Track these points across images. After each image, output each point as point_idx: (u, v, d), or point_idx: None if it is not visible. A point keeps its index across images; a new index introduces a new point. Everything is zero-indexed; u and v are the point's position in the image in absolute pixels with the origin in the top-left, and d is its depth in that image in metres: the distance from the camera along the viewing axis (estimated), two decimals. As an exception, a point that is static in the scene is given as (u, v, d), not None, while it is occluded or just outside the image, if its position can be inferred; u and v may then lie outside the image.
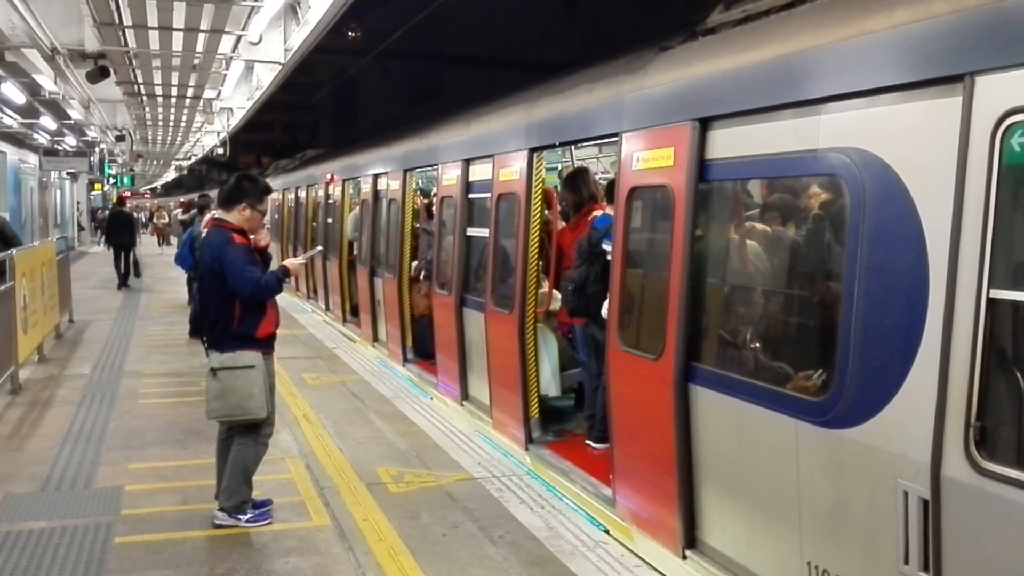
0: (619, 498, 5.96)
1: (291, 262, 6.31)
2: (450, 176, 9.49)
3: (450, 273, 9.33)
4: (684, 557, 5.19)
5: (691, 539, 5.18)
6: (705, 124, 5.07)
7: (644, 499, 5.68)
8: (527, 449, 7.47)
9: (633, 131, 5.85)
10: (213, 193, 18.25)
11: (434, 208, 10.63)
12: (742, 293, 5.23)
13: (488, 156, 8.39)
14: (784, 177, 4.77)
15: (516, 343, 7.52)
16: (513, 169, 7.79)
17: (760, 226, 5.09)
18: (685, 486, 5.16)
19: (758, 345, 4.89)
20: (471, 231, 8.94)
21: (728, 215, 5.32)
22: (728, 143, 4.94)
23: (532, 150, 7.47)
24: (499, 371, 8.04)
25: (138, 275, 21.76)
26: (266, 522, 5.83)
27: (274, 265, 6.24)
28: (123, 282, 20.93)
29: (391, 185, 11.91)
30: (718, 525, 5.01)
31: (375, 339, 12.82)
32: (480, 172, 8.68)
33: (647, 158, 5.66)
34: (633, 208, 5.96)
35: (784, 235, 4.82)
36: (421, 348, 11.06)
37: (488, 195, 8.37)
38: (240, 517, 5.80)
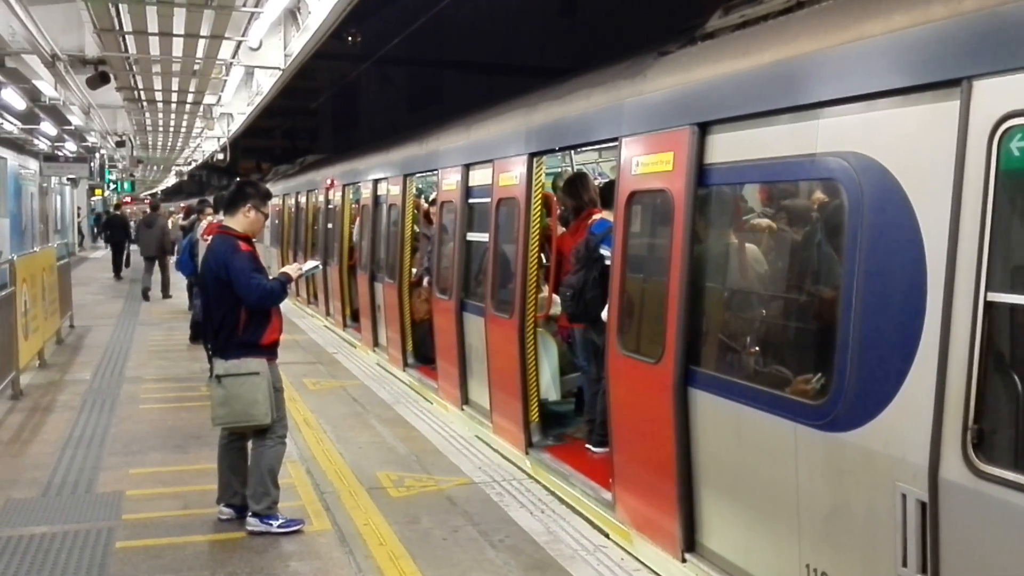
0: (619, 502, 5.97)
1: (291, 269, 6.30)
2: (450, 181, 9.51)
3: (450, 278, 9.34)
4: (684, 560, 5.19)
5: (691, 543, 5.19)
6: (704, 129, 5.09)
7: (644, 503, 5.69)
8: (527, 453, 7.48)
9: (632, 136, 5.87)
10: (210, 199, 18.40)
11: (433, 213, 10.65)
12: (741, 297, 5.25)
13: (488, 161, 8.41)
14: (783, 181, 4.79)
15: (516, 348, 7.53)
16: (513, 174, 7.80)
17: (759, 231, 5.10)
18: (685, 490, 5.16)
19: (757, 349, 4.91)
20: (471, 236, 8.96)
21: (727, 219, 5.34)
22: (727, 148, 4.96)
23: (532, 155, 7.49)
24: (499, 376, 8.05)
25: (127, 266, 27.18)
26: (296, 528, 5.84)
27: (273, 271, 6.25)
28: (117, 273, 25.89)
29: (391, 190, 11.92)
30: (717, 529, 5.02)
31: (375, 344, 12.84)
32: (480, 177, 8.69)
33: (646, 163, 5.68)
34: (632, 213, 5.98)
35: (783, 239, 4.83)
36: (421, 353, 11.07)
37: (488, 200, 8.38)
38: (272, 523, 5.81)
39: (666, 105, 5.54)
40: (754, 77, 4.74)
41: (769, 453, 4.48)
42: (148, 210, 24.78)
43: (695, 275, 5.17)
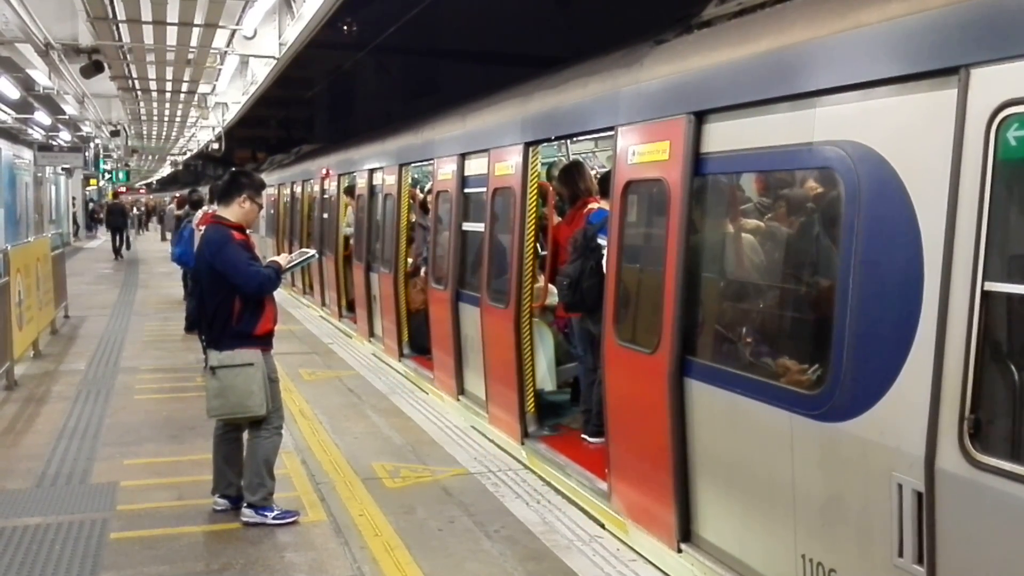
0: (614, 492, 5.97)
1: (282, 259, 6.24)
2: (445, 171, 9.48)
3: (446, 268, 9.32)
4: (679, 551, 5.19)
5: (686, 533, 5.18)
6: (700, 118, 5.07)
7: (639, 493, 5.68)
8: (523, 444, 7.47)
9: (629, 125, 5.84)
10: (204, 190, 18.45)
11: (430, 202, 10.62)
12: (737, 287, 5.23)
13: (484, 150, 8.37)
14: (779, 171, 4.76)
15: (512, 338, 7.51)
16: (509, 163, 7.77)
17: (755, 220, 5.08)
18: (680, 480, 5.16)
19: (753, 339, 4.89)
20: (467, 226, 8.93)
21: (723, 209, 5.32)
22: (724, 137, 4.94)
23: (528, 144, 7.46)
24: (495, 366, 8.03)
25: (128, 248, 31.49)
26: (292, 519, 5.84)
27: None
28: (117, 254, 29.68)
29: (387, 180, 11.88)
30: (713, 519, 5.01)
31: (371, 334, 12.83)
32: (476, 166, 8.66)
33: (642, 152, 5.66)
34: (628, 202, 5.96)
35: (779, 229, 4.81)
36: (417, 343, 11.04)
37: (484, 189, 8.35)
38: (267, 514, 5.81)
39: (662, 94, 5.52)
40: (751, 65, 4.71)
41: (765, 443, 4.47)
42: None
43: (691, 265, 5.16)
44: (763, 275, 5.04)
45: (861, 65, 3.92)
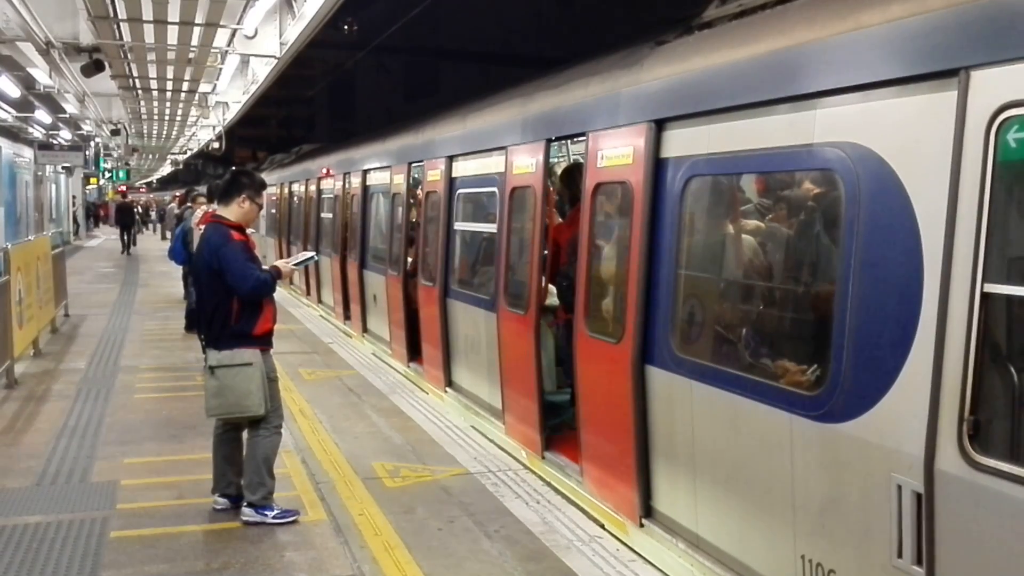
0: (586, 473, 6.19)
1: (281, 263, 6.23)
2: (443, 171, 9.46)
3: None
4: (641, 526, 5.47)
5: (648, 509, 5.49)
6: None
7: (608, 473, 5.92)
8: (543, 458, 7.16)
9: (598, 130, 6.04)
10: (202, 189, 18.47)
11: (422, 203, 10.60)
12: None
13: (501, 148, 8.05)
14: (782, 171, 4.76)
15: (532, 346, 7.21)
16: (529, 162, 7.50)
17: (754, 221, 5.09)
18: (642, 461, 5.45)
19: (749, 339, 4.91)
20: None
21: (722, 210, 5.34)
22: (720, 138, 4.94)
23: (549, 141, 7.26)
24: (513, 375, 7.75)
25: (134, 244, 33.80)
26: (292, 519, 5.84)
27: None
28: (126, 249, 32.12)
29: (395, 179, 11.81)
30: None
31: (364, 330, 12.86)
32: (492, 165, 8.43)
33: (610, 156, 5.92)
34: (598, 203, 6.18)
35: (779, 230, 4.82)
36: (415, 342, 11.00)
37: (499, 189, 8.09)
38: (267, 513, 5.81)
39: (660, 95, 5.54)
40: (753, 67, 4.72)
41: (763, 442, 4.48)
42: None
43: (687, 265, 5.27)
44: (749, 275, 5.11)
45: (862, 67, 3.93)
